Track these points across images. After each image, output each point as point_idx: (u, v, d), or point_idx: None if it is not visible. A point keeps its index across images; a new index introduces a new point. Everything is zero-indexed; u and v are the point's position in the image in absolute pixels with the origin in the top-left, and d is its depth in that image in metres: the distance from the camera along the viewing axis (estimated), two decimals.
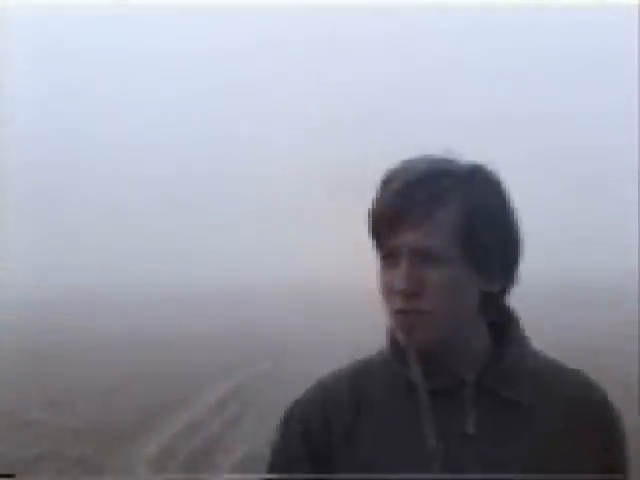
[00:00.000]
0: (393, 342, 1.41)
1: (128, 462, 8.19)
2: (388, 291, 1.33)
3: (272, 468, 1.44)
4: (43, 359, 17.28)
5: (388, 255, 1.34)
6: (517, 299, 1.48)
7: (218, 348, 18.42)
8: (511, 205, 1.39)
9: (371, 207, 1.37)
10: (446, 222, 1.31)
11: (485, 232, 1.32)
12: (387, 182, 1.36)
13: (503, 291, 1.40)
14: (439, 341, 1.32)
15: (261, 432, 8.55)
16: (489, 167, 1.38)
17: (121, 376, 14.64)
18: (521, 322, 1.44)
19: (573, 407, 1.38)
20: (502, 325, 1.42)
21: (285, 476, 1.39)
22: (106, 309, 33.42)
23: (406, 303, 1.30)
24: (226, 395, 12.14)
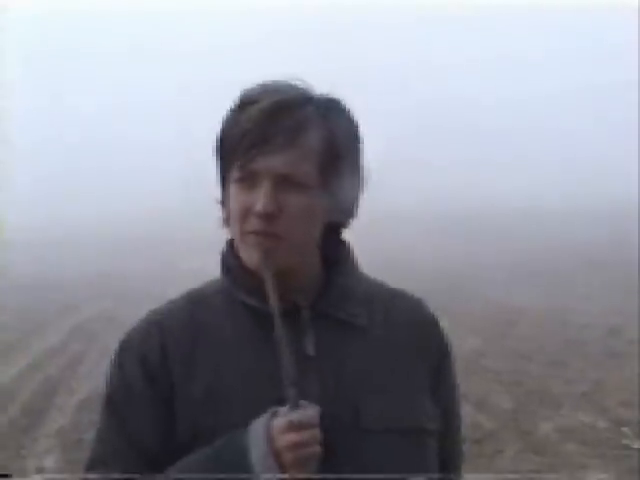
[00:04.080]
0: (232, 269, 1.37)
1: None
2: (244, 213, 1.28)
3: (110, 400, 1.36)
4: None
5: (246, 177, 1.28)
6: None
7: (57, 288, 17.58)
8: (362, 139, 1.37)
9: (227, 126, 1.31)
10: (309, 149, 1.28)
11: (342, 163, 1.31)
12: (248, 103, 1.29)
13: (342, 223, 1.40)
14: (288, 267, 1.30)
15: (103, 371, 8.12)
16: (342, 100, 1.35)
17: None
18: (353, 250, 1.43)
19: (409, 328, 1.41)
20: (336, 254, 1.40)
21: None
22: None
23: (265, 225, 1.26)
24: (67, 335, 11.71)
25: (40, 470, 5.74)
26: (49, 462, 5.95)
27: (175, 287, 1.71)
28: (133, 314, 1.43)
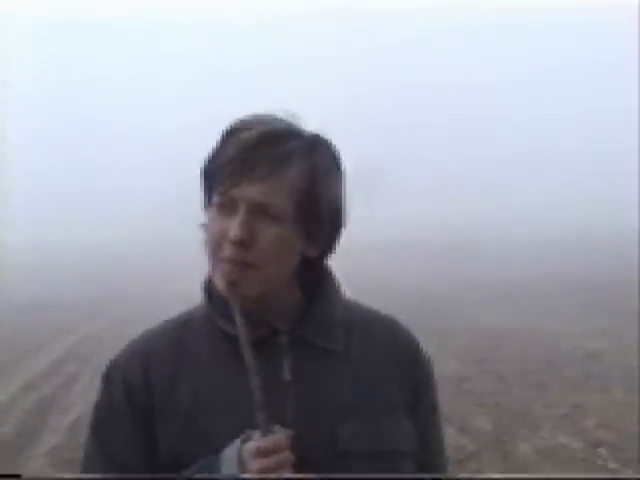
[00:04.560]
0: (212, 294, 1.37)
1: None
2: (219, 239, 1.27)
3: (96, 423, 1.38)
4: None
5: (224, 205, 1.27)
6: None
7: (53, 309, 17.47)
8: (344, 177, 1.37)
9: (214, 152, 1.31)
10: (287, 182, 1.27)
11: (320, 199, 1.30)
12: (234, 132, 1.30)
13: (322, 255, 1.39)
14: (260, 295, 1.29)
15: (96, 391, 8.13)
16: (328, 137, 1.35)
17: None
18: (335, 278, 1.44)
19: (387, 350, 1.41)
20: (315, 282, 1.40)
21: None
22: None
23: (236, 252, 1.25)
24: (61, 355, 11.60)
25: None
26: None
27: (170, 309, 1.72)
28: (128, 335, 1.49)
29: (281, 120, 1.32)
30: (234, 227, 1.25)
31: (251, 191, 1.25)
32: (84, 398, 8.11)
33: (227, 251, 1.26)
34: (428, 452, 1.44)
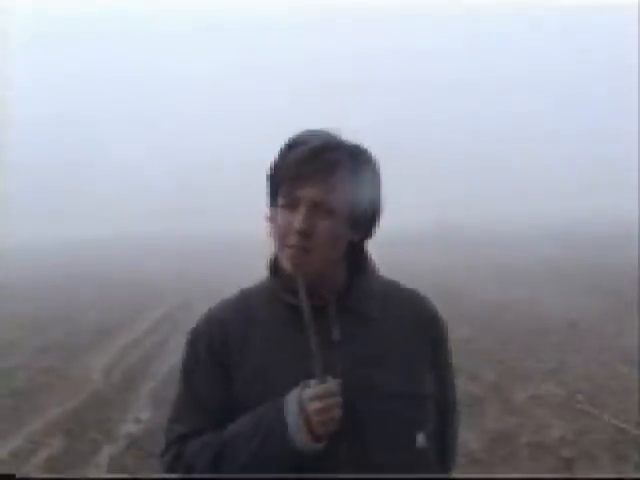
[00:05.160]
0: (277, 272, 1.38)
1: (86, 370, 7.82)
2: (285, 230, 1.29)
3: (185, 372, 1.39)
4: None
5: (289, 204, 1.29)
6: None
7: (154, 284, 17.80)
8: (381, 179, 1.38)
9: (277, 163, 1.33)
10: (338, 184, 1.29)
11: (363, 196, 1.32)
12: (294, 146, 1.32)
13: (363, 240, 1.40)
14: (317, 273, 1.30)
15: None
16: (366, 147, 1.36)
17: (82, 303, 13.99)
18: (372, 259, 1.44)
19: (413, 315, 1.41)
20: (357, 262, 1.41)
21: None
22: (76, 257, 31.88)
23: (300, 241, 1.27)
24: (159, 320, 11.73)
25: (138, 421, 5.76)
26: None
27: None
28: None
29: (329, 134, 1.34)
30: (298, 220, 1.27)
31: (311, 192, 1.27)
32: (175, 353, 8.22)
33: (292, 239, 1.28)
34: (444, 393, 1.45)
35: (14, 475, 4.10)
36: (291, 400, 1.23)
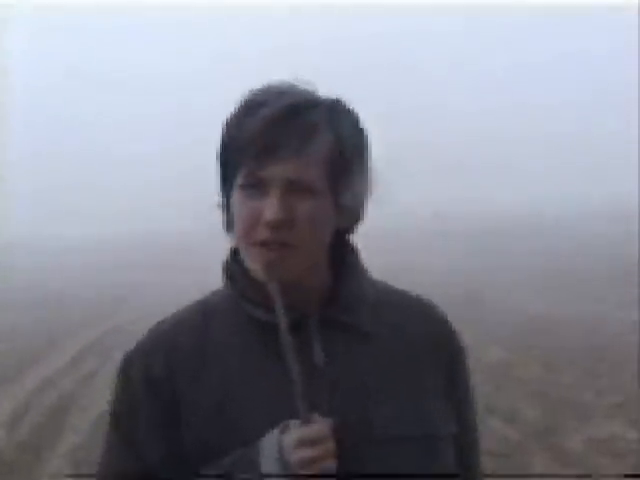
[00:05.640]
0: (235, 278, 1.37)
1: None
2: (251, 222, 1.26)
3: (116, 415, 1.37)
4: None
5: (252, 185, 1.26)
6: None
7: (74, 303, 17.73)
8: (368, 142, 1.36)
9: (232, 130, 1.29)
10: (317, 154, 1.27)
11: (350, 166, 1.30)
12: (252, 108, 1.28)
13: (350, 228, 1.40)
14: (299, 276, 1.29)
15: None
16: (347, 102, 1.34)
17: None
18: (360, 254, 1.43)
19: (418, 330, 1.41)
20: (341, 258, 1.40)
21: None
22: None
23: (274, 234, 1.24)
24: (83, 350, 11.71)
25: None
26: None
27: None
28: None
29: (298, 89, 1.32)
30: (270, 208, 1.24)
31: (284, 169, 1.25)
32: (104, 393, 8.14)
33: (263, 234, 1.26)
34: (464, 432, 1.44)
35: None
36: (268, 447, 1.21)
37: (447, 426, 1.37)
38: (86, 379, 9.61)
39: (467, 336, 1.50)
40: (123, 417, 1.35)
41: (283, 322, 1.24)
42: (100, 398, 8.02)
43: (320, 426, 1.20)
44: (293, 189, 1.26)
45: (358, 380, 1.32)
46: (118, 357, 1.42)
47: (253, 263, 1.28)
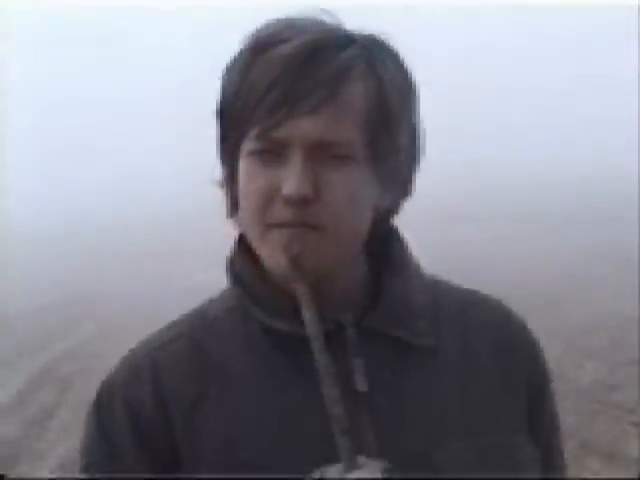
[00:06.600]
0: (244, 279, 1.16)
1: None
2: (265, 198, 1.05)
3: (87, 467, 1.16)
4: None
5: (267, 149, 1.06)
6: None
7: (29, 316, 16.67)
8: (416, 92, 1.14)
9: (238, 78, 1.06)
10: (354, 107, 1.05)
11: (396, 124, 1.09)
12: (268, 45, 1.05)
13: (394, 207, 1.19)
14: (329, 271, 1.09)
15: (80, 430, 7.25)
16: (387, 38, 1.11)
17: None
18: (407, 243, 1.22)
19: (493, 343, 1.22)
20: (384, 248, 1.21)
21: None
22: None
23: (297, 213, 1.04)
24: (35, 376, 10.92)
25: None
26: None
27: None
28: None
29: (322, 23, 1.09)
30: (290, 180, 1.03)
31: (307, 127, 1.03)
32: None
33: (283, 213, 1.05)
34: (549, 470, 1.26)
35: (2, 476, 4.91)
36: None
37: (528, 463, 1.18)
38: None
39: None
40: (98, 470, 1.14)
41: (316, 335, 1.04)
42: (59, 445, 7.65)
43: (367, 472, 1.02)
44: (321, 154, 1.05)
45: (412, 410, 1.13)
46: (83, 388, 1.12)
47: (270, 254, 1.08)
